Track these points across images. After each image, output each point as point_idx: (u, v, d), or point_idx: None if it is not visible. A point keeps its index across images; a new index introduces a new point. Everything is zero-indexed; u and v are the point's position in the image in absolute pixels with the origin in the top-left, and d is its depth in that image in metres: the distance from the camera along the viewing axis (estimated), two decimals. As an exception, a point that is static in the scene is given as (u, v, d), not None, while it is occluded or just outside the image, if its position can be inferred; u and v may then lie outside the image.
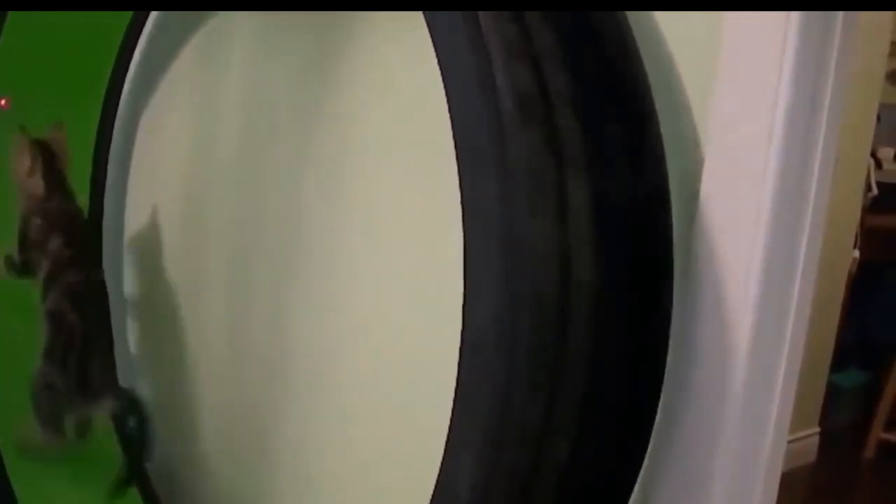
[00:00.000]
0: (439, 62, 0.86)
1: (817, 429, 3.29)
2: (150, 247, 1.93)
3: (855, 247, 3.12)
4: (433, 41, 0.87)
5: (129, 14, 1.84)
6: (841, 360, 3.55)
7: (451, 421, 0.86)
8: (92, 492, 1.79)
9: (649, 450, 0.96)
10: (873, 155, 3.18)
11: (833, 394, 3.44)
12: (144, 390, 1.95)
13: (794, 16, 0.87)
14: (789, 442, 3.08)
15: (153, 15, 1.85)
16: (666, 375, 0.94)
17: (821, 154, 0.93)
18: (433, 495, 0.89)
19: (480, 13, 0.83)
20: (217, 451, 1.79)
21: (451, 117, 0.86)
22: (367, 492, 1.40)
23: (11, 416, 1.75)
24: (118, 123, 1.95)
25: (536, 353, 0.81)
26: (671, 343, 0.94)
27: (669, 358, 0.93)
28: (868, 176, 3.11)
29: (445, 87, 0.86)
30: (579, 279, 0.83)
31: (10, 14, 1.62)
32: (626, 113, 0.91)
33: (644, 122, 0.92)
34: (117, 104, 1.94)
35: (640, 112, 0.92)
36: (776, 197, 0.90)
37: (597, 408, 0.87)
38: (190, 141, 1.82)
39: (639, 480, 0.97)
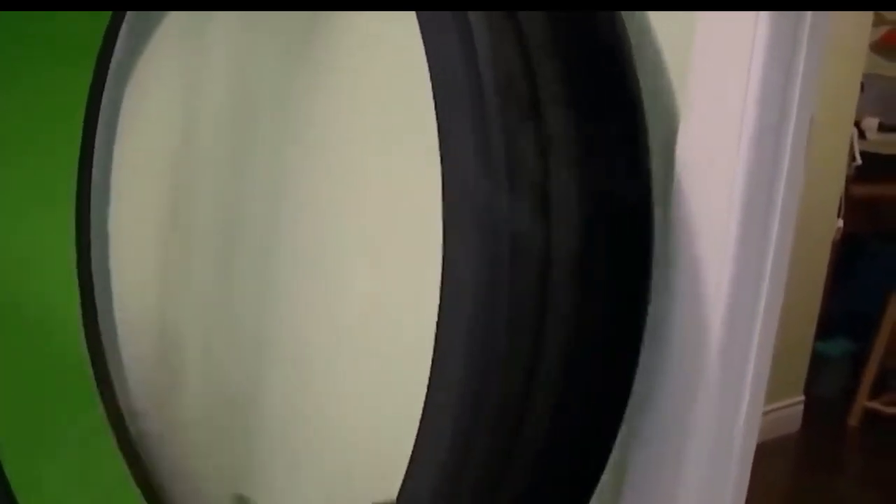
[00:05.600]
0: (425, 46, 0.87)
1: (802, 397, 3.32)
2: (136, 237, 1.92)
3: (839, 216, 3.14)
4: (420, 25, 0.88)
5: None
6: (827, 329, 3.58)
7: (425, 399, 0.87)
8: (92, 492, 1.80)
9: (624, 423, 0.97)
10: (857, 125, 3.19)
11: (819, 363, 3.48)
12: (132, 375, 1.95)
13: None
14: (774, 410, 3.14)
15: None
16: (643, 345, 0.95)
17: (795, 121, 0.93)
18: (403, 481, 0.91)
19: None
20: (203, 431, 1.80)
21: (435, 104, 0.86)
22: (349, 472, 1.42)
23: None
24: (103, 107, 1.94)
25: (512, 346, 0.82)
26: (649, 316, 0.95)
27: (646, 333, 0.95)
28: (851, 146, 3.13)
29: (431, 72, 0.87)
30: (559, 266, 0.84)
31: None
32: (609, 88, 0.92)
33: (628, 101, 0.93)
34: (102, 89, 1.92)
35: (623, 87, 0.93)
36: (750, 164, 0.91)
37: (572, 392, 0.88)
38: (174, 126, 1.82)
39: (612, 457, 0.98)
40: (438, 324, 0.84)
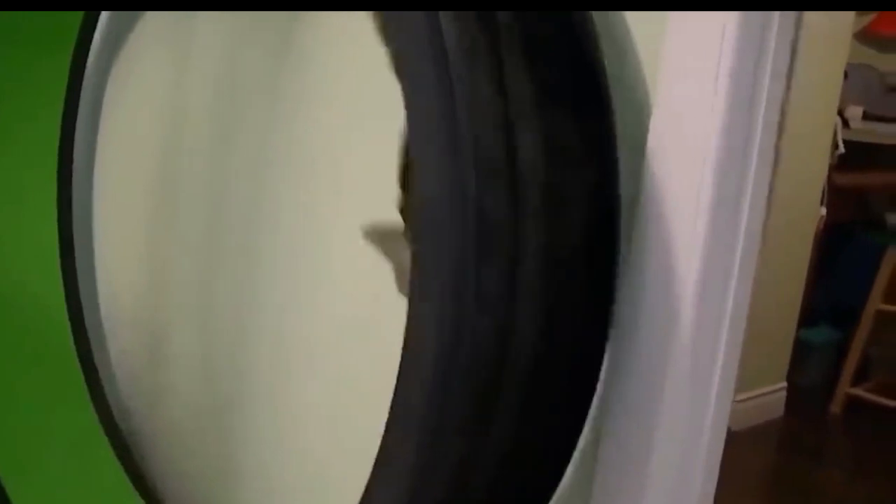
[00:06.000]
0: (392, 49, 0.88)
1: (784, 384, 3.34)
2: (120, 233, 1.93)
3: (822, 204, 3.16)
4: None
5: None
6: (811, 317, 3.61)
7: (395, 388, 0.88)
8: (85, 490, 1.81)
9: (593, 416, 0.99)
10: (840, 114, 3.21)
11: (803, 350, 3.50)
12: (121, 373, 1.95)
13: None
14: (757, 397, 3.16)
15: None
16: (611, 337, 0.97)
17: (764, 111, 0.94)
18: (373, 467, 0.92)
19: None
20: (194, 427, 1.81)
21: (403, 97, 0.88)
22: (338, 468, 1.43)
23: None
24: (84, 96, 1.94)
25: (480, 345, 0.83)
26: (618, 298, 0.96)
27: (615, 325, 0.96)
28: (835, 134, 3.15)
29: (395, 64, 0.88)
30: (527, 257, 0.85)
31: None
32: (575, 66, 0.93)
33: (593, 73, 0.94)
34: (81, 82, 1.91)
35: (590, 66, 0.94)
36: (720, 150, 0.92)
37: (539, 388, 0.89)
38: (157, 119, 1.81)
39: (581, 449, 0.99)
40: (408, 317, 0.86)
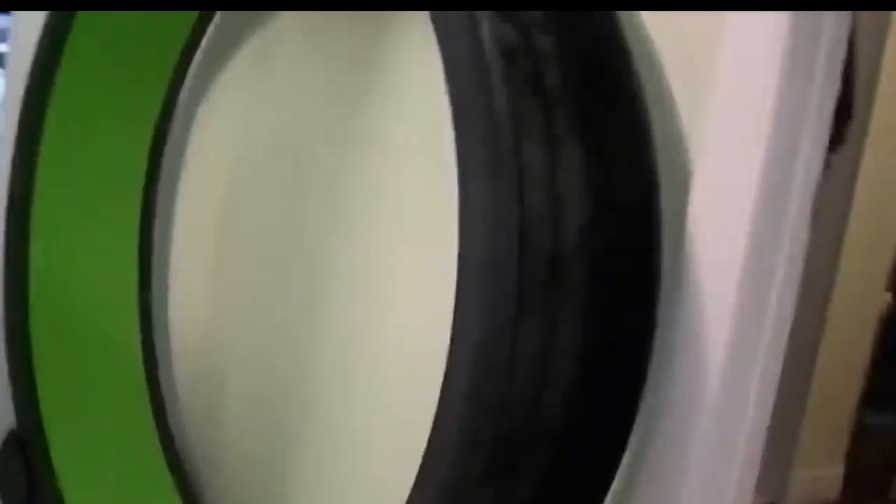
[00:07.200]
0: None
1: (843, 465, 3.30)
2: (191, 263, 2.03)
3: (888, 289, 3.13)
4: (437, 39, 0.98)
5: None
6: (875, 400, 3.57)
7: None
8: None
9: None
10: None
11: (865, 433, 3.46)
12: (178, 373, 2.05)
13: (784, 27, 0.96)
14: (814, 476, 3.12)
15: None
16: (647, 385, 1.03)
17: (802, 174, 1.01)
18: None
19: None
20: (246, 437, 1.89)
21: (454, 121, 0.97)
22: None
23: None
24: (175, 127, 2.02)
25: (518, 355, 0.91)
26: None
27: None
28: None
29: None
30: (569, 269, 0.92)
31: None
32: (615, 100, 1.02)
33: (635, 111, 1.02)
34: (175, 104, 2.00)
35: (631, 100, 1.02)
36: (757, 218, 0.98)
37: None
38: (235, 156, 1.90)
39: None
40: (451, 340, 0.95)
